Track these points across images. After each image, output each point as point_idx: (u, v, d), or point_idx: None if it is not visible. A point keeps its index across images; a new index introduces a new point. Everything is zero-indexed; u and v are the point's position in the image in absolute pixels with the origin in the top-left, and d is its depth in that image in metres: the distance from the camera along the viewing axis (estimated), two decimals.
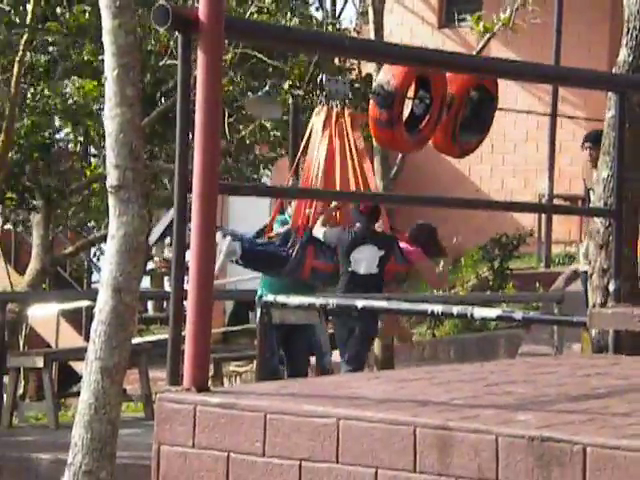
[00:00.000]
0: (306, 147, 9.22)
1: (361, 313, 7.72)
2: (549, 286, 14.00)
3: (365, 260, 8.87)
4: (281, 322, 8.53)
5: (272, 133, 13.33)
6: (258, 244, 8.93)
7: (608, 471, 2.59)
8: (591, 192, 8.16)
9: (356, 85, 12.27)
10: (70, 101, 11.92)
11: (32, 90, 12.17)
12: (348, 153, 9.13)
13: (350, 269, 8.83)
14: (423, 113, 9.52)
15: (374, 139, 9.40)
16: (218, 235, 8.60)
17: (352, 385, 3.49)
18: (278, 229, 9.06)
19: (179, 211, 3.38)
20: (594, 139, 9.15)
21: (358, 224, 8.99)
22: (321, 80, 9.24)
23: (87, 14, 11.64)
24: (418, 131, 9.52)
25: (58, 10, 11.84)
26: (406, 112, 9.45)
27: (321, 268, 8.86)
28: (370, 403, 3.06)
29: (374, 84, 9.33)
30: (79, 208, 14.02)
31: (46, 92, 11.97)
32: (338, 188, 8.91)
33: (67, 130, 12.81)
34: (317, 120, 9.14)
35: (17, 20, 11.57)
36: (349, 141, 9.12)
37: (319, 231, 8.88)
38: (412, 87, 9.37)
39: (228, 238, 8.69)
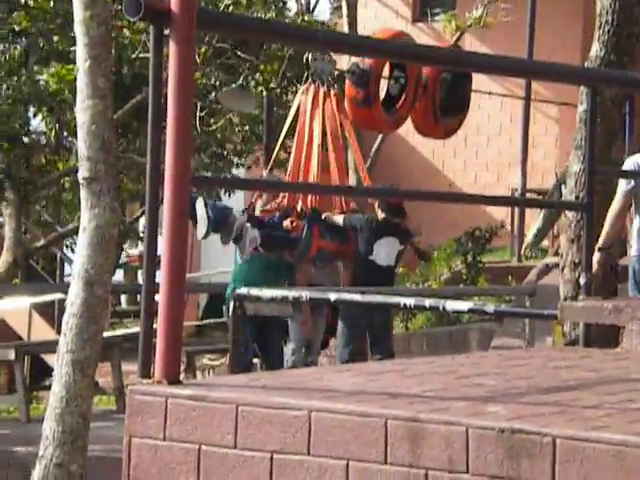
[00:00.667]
0: (292, 126, 9.20)
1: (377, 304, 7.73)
2: (522, 279, 14.05)
3: (386, 251, 9.03)
4: (255, 314, 8.53)
5: (241, 128, 13.29)
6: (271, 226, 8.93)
7: (577, 462, 2.60)
8: (562, 186, 8.20)
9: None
10: (44, 88, 11.83)
11: (4, 80, 12.07)
12: (339, 134, 9.18)
13: (371, 257, 8.96)
14: (399, 93, 9.57)
15: (352, 120, 9.40)
16: (200, 206, 8.58)
17: (323, 377, 3.49)
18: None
19: (151, 204, 3.37)
20: None
21: (382, 214, 9.06)
22: (307, 59, 9.22)
23: (52, 1, 11.56)
24: (395, 110, 9.56)
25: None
26: (382, 93, 9.49)
27: (327, 247, 8.95)
28: (341, 395, 3.07)
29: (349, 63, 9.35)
30: (51, 201, 13.95)
31: (21, 80, 11.88)
32: (333, 169, 8.98)
33: (39, 119, 12.71)
34: (305, 99, 9.12)
35: None
36: (337, 122, 9.13)
37: (338, 217, 8.95)
38: (387, 66, 9.40)
39: (247, 226, 8.71)
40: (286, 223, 8.84)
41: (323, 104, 9.03)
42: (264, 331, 8.98)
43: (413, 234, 9.45)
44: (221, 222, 8.68)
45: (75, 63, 11.75)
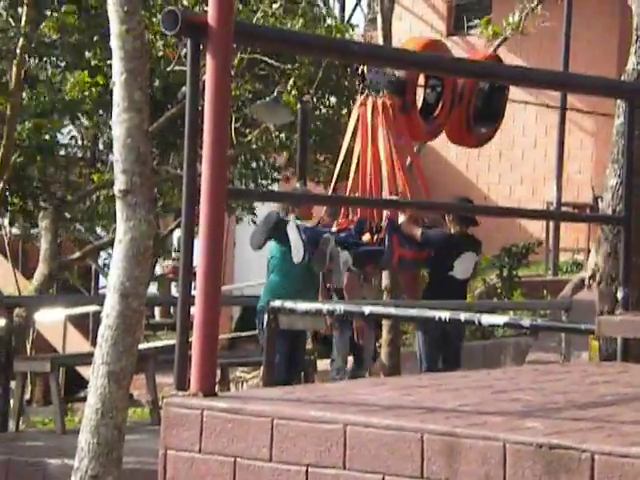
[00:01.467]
0: (353, 139, 9.21)
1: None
2: (557, 294, 13.97)
3: (465, 267, 9.18)
4: (289, 328, 8.53)
5: (276, 134, 13.28)
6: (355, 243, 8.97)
7: (616, 479, 2.57)
8: (599, 200, 8.16)
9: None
10: (66, 97, 11.87)
11: (30, 92, 12.15)
12: (398, 145, 9.21)
13: (450, 273, 9.05)
14: (435, 101, 9.55)
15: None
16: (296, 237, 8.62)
17: (359, 391, 3.48)
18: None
19: (187, 216, 3.38)
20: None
21: (456, 227, 9.16)
22: (362, 71, 9.26)
23: (75, 15, 11.63)
24: (432, 119, 9.55)
25: (48, 12, 11.83)
26: (420, 102, 9.49)
27: (407, 256, 8.99)
28: (377, 409, 3.06)
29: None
30: (86, 214, 14.02)
31: (42, 90, 11.95)
32: (400, 183, 8.99)
33: (69, 129, 12.76)
34: (364, 110, 9.13)
35: (12, 23, 11.55)
36: (395, 132, 9.15)
37: (416, 230, 8.97)
38: (423, 75, 9.39)
39: (338, 249, 8.72)
40: (366, 238, 8.89)
41: (384, 115, 9.05)
42: (295, 343, 9.01)
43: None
44: (314, 246, 8.69)
45: (101, 75, 11.77)
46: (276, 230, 8.85)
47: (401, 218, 8.99)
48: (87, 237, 15.07)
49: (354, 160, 9.07)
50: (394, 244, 8.84)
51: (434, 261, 9.11)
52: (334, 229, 8.99)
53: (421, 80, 9.62)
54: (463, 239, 9.25)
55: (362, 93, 9.20)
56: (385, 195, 8.86)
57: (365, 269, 9.05)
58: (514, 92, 10.88)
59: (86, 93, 11.75)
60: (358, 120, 9.14)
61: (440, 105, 9.51)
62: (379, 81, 9.08)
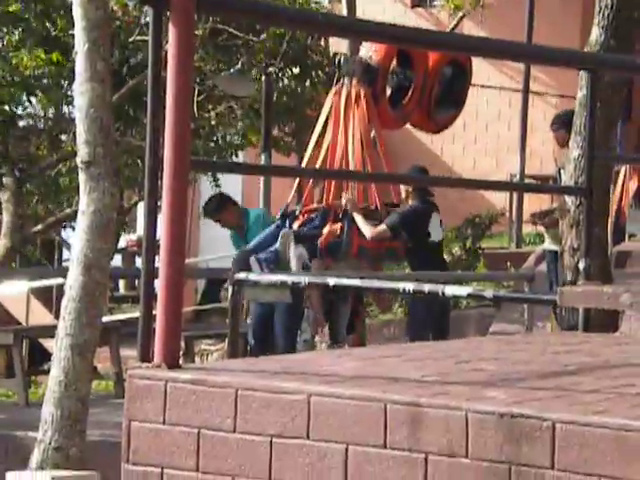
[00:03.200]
0: (325, 127, 9.24)
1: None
2: (520, 265, 14.04)
3: (438, 229, 9.28)
4: (253, 300, 8.55)
5: (240, 120, 13.23)
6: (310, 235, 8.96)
7: (577, 447, 2.60)
8: (562, 171, 8.21)
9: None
10: (24, 72, 11.74)
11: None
12: (370, 134, 9.26)
13: (430, 239, 9.18)
14: (405, 88, 9.58)
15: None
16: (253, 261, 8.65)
17: (323, 362, 3.49)
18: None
19: (150, 187, 3.36)
20: (562, 120, 9.27)
21: (415, 199, 9.24)
22: (338, 60, 9.33)
23: None
24: (402, 106, 9.57)
25: None
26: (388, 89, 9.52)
27: (368, 246, 8.99)
28: (341, 380, 3.07)
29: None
30: (49, 185, 13.91)
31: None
32: (369, 169, 9.03)
33: (27, 103, 12.65)
34: (337, 100, 9.18)
35: None
36: (367, 122, 9.19)
37: (381, 226, 8.96)
38: (394, 62, 9.42)
39: (292, 245, 8.71)
40: (335, 227, 8.88)
41: (356, 105, 9.09)
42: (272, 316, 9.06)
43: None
44: (276, 263, 8.70)
45: (59, 50, 11.61)
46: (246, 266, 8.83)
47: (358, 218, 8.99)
48: (49, 209, 14.96)
49: (323, 148, 9.12)
50: (353, 233, 8.86)
51: (413, 234, 9.16)
52: (298, 210, 9.00)
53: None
54: (425, 206, 9.30)
55: (337, 82, 9.26)
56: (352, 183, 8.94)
57: (324, 261, 9.01)
58: (476, 64, 10.89)
59: (44, 71, 11.62)
60: (331, 108, 9.19)
61: (410, 92, 9.52)
62: (355, 69, 9.13)
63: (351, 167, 8.98)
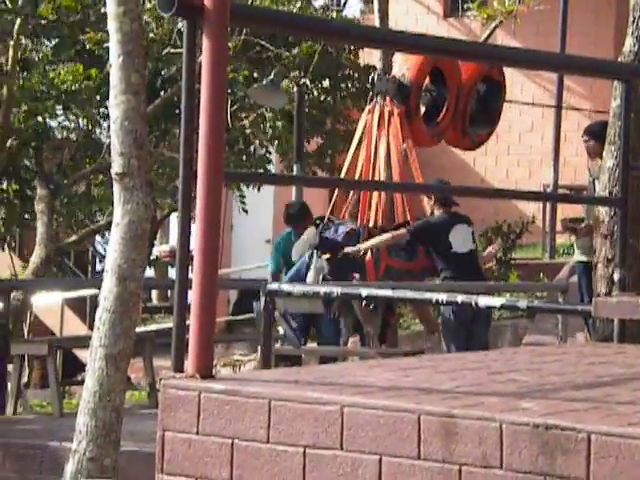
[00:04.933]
0: (358, 146, 9.33)
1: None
2: (553, 276, 13.97)
3: (461, 237, 9.17)
4: (285, 311, 8.59)
5: (273, 123, 13.25)
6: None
7: (612, 459, 2.58)
8: (595, 182, 8.16)
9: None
10: (61, 86, 11.83)
11: (24, 75, 12.10)
12: (403, 153, 9.32)
13: (452, 250, 9.07)
14: (439, 106, 9.60)
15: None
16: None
17: (356, 373, 3.49)
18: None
19: (184, 199, 3.38)
20: (592, 131, 9.22)
21: (440, 209, 9.22)
22: (372, 78, 9.41)
23: None
24: (436, 123, 9.59)
25: None
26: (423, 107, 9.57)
27: (395, 265, 9.01)
28: (374, 390, 3.06)
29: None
30: (82, 197, 13.99)
31: (36, 74, 11.91)
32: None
33: (60, 115, 12.73)
34: (370, 119, 9.27)
35: (9, 5, 11.48)
36: (401, 140, 9.25)
37: (401, 231, 8.99)
38: (427, 79, 9.46)
39: (315, 255, 8.79)
40: (363, 246, 8.93)
41: (388, 123, 9.15)
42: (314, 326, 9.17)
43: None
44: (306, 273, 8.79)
45: (98, 63, 11.68)
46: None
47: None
48: (84, 221, 15.04)
49: (358, 166, 9.20)
50: (381, 254, 8.89)
51: (435, 245, 9.13)
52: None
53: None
54: (445, 216, 9.25)
55: (371, 100, 9.34)
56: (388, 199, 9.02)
57: (348, 279, 9.03)
58: (510, 75, 10.87)
59: (81, 85, 11.71)
60: (365, 127, 9.27)
61: (444, 109, 9.55)
62: (388, 88, 9.19)
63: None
